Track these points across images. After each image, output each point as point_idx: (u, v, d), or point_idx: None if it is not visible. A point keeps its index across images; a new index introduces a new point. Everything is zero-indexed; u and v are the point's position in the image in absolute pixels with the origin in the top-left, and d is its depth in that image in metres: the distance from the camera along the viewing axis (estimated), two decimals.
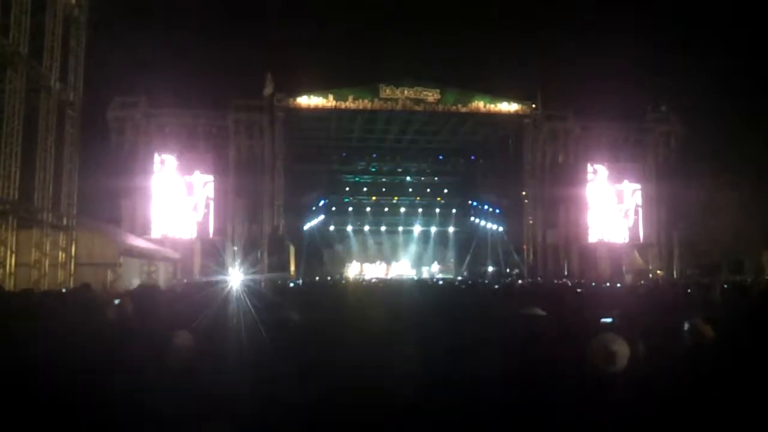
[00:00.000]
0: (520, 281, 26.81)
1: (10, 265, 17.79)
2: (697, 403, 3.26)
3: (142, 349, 3.99)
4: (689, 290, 13.97)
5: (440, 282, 29.55)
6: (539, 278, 34.59)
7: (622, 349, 3.35)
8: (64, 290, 14.14)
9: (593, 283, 22.94)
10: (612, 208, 41.63)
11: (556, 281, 29.63)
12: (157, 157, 37.95)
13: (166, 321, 5.18)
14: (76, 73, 21.55)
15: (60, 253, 20.49)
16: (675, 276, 36.90)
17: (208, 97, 37.47)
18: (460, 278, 37.18)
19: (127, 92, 36.92)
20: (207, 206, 38.48)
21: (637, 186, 41.70)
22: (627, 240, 41.28)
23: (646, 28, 39.47)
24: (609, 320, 5.21)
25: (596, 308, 6.51)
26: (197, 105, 37.58)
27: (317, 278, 35.50)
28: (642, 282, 26.59)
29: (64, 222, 20.93)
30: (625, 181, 41.71)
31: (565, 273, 37.73)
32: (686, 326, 4.49)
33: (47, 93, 19.80)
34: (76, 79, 21.59)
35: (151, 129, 37.53)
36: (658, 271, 37.60)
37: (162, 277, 27.07)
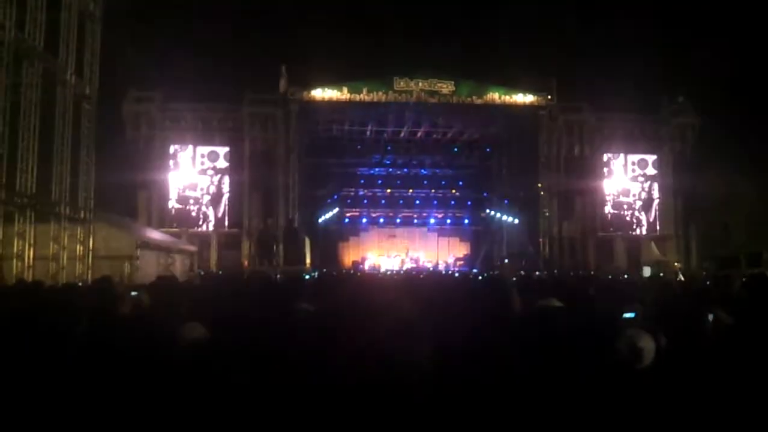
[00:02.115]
0: (537, 273, 26.67)
1: (29, 258, 17.95)
2: (721, 397, 3.20)
3: (157, 341, 3.99)
4: (708, 282, 13.83)
5: (456, 274, 29.50)
6: (555, 271, 34.41)
7: (648, 346, 3.33)
8: (80, 283, 14.24)
9: (610, 276, 22.78)
10: (629, 200, 41.32)
11: (571, 273, 29.49)
12: (172, 151, 38.17)
13: (182, 313, 5.17)
14: (91, 67, 21.63)
15: (78, 246, 20.62)
16: (693, 268, 36.58)
17: (222, 91, 37.60)
18: (475, 270, 37.07)
19: (142, 86, 37.07)
20: (222, 199, 38.66)
21: (655, 178, 41.36)
22: (644, 232, 40.97)
23: (662, 18, 39.00)
24: (631, 315, 5.11)
25: (617, 302, 6.42)
26: (212, 99, 37.70)
27: (333, 271, 35.54)
28: (660, 274, 26.40)
29: (82, 215, 21.07)
30: (642, 173, 41.38)
31: (582, 265, 37.51)
32: (709, 318, 4.44)
33: (63, 87, 19.91)
34: (92, 72, 21.68)
35: (167, 122, 37.71)
36: (676, 263, 37.29)
37: (179, 269, 27.21)
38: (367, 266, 44.14)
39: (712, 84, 36.20)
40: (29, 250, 17.97)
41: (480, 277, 19.94)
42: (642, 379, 3.28)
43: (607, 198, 40.96)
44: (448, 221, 50.25)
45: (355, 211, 49.39)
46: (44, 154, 18.81)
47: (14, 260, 17.53)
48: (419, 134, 44.55)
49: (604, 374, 3.40)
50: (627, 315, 5.19)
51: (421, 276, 22.07)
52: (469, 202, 49.72)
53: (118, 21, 24.01)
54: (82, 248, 20.80)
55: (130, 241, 23.67)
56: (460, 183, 49.43)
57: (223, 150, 38.68)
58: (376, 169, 48.52)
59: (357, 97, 38.25)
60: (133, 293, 6.10)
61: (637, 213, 41.37)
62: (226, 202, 38.64)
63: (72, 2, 20.12)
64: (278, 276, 23.81)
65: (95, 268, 20.41)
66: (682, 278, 21.04)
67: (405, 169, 48.53)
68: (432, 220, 50.11)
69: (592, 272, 31.16)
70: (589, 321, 4.86)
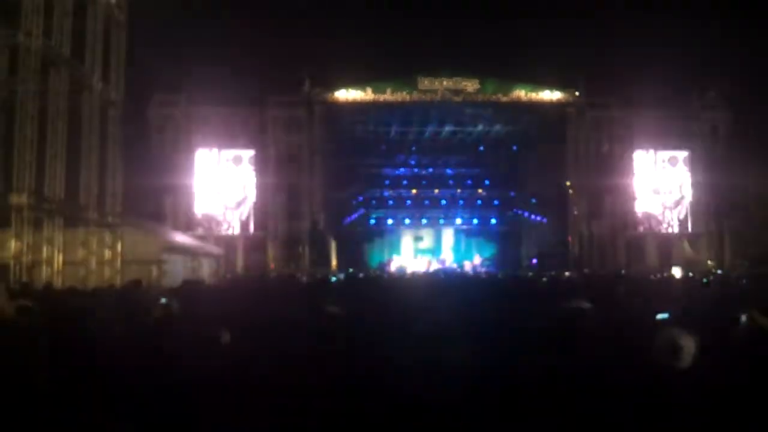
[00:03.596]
0: (566, 273, 26.37)
1: (58, 263, 18.15)
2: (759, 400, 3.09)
3: (188, 347, 3.98)
4: (745, 281, 13.52)
5: (483, 275, 29.27)
6: (585, 270, 33.99)
7: (689, 345, 3.24)
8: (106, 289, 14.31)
9: (641, 275, 22.44)
10: (660, 198, 40.66)
11: (601, 274, 29.07)
12: (197, 154, 38.47)
13: (211, 318, 5.18)
14: (117, 73, 21.87)
15: (106, 251, 20.82)
16: (725, 266, 35.90)
17: (246, 94, 37.74)
18: (503, 271, 36.76)
19: (167, 90, 37.42)
20: (247, 202, 38.86)
21: (686, 174, 40.65)
22: (676, 230, 40.30)
23: (692, 11, 38.30)
24: (665, 316, 4.96)
25: (649, 302, 6.26)
26: (236, 102, 37.89)
27: (359, 273, 35.51)
28: (691, 274, 25.95)
29: (109, 220, 21.27)
30: (673, 170, 40.71)
31: (612, 265, 37.00)
32: (743, 318, 4.32)
33: (89, 93, 20.13)
34: (118, 78, 21.91)
35: (192, 126, 38.04)
36: (709, 262, 36.65)
37: (205, 272, 27.36)
38: (393, 268, 43.99)
39: (744, 78, 35.50)
40: (58, 255, 18.17)
41: (509, 279, 19.77)
42: (678, 380, 3.17)
43: (637, 195, 40.34)
44: (475, 221, 49.88)
45: (381, 212, 49.28)
46: (72, 159, 19.02)
47: (43, 265, 17.72)
48: (444, 133, 44.32)
49: (637, 376, 3.29)
50: (661, 316, 5.06)
51: (447, 277, 21.94)
52: (496, 202, 49.28)
53: (142, 26, 24.21)
54: (110, 253, 20.99)
55: (157, 245, 23.81)
56: (487, 182, 48.99)
57: (247, 153, 38.88)
58: (401, 170, 48.37)
59: (381, 98, 38.23)
60: (163, 300, 6.08)
61: (668, 211, 40.68)
62: (252, 205, 38.82)
63: (97, 9, 20.34)
64: (304, 278, 23.87)
65: (123, 272, 20.57)
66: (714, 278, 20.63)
67: (430, 169, 48.31)
68: (458, 221, 49.79)
69: (623, 272, 30.70)
70: (621, 322, 4.75)
